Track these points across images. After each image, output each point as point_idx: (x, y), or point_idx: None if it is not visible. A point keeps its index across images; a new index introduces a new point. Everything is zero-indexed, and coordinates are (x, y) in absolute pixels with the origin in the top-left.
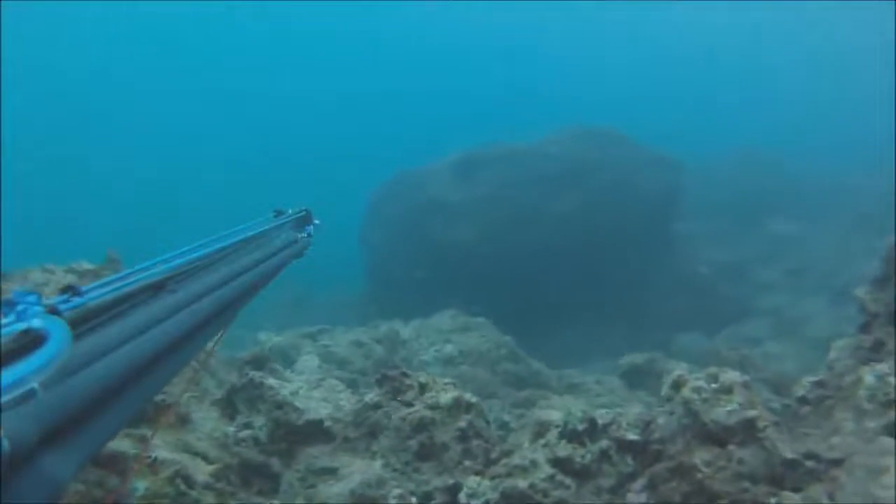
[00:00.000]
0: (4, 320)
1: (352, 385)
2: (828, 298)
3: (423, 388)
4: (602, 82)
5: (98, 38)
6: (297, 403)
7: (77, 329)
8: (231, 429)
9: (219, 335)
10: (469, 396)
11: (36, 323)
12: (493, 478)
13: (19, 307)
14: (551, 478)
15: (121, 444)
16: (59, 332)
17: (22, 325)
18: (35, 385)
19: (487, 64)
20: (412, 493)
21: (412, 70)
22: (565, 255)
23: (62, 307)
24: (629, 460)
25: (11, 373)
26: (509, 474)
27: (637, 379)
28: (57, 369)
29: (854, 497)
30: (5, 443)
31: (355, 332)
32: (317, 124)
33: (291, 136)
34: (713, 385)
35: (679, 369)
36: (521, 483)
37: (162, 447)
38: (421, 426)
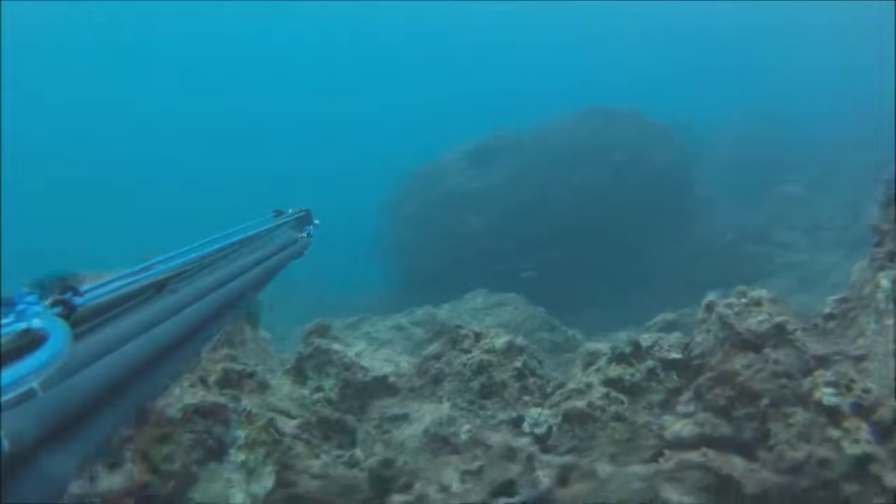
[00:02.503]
0: (4, 320)
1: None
2: (844, 252)
3: (477, 336)
4: (604, 62)
5: (99, 39)
6: (362, 363)
7: (77, 329)
8: (306, 392)
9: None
10: (521, 340)
11: (36, 323)
12: (551, 406)
13: (19, 307)
14: (606, 395)
15: (217, 398)
16: (58, 332)
17: (22, 325)
18: (35, 385)
19: (485, 58)
20: (480, 428)
21: (413, 68)
22: (587, 232)
23: (62, 307)
24: (674, 377)
25: (11, 372)
26: (568, 398)
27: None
28: (57, 369)
29: (878, 378)
30: (5, 442)
31: (393, 318)
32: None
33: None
34: (743, 300)
35: (711, 295)
36: (580, 403)
37: (249, 406)
38: (481, 368)
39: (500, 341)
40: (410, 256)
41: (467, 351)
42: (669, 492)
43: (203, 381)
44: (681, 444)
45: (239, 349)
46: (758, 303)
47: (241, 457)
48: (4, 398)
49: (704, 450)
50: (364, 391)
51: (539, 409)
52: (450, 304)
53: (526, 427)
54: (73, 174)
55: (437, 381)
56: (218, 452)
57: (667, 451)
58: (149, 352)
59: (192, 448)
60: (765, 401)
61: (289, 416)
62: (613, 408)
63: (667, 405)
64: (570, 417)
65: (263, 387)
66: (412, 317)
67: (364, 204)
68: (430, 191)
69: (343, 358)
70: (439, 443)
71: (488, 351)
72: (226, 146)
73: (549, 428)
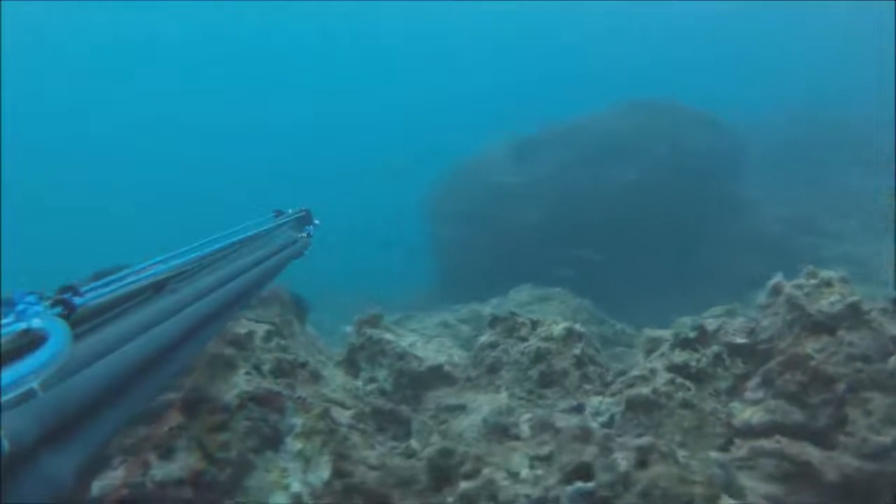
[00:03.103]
0: (4, 320)
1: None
2: None
3: (534, 324)
4: (645, 53)
5: (99, 39)
6: (416, 353)
7: (77, 329)
8: (358, 383)
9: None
10: (579, 327)
11: (36, 323)
12: (613, 395)
13: (19, 307)
14: (671, 381)
15: (272, 385)
16: (58, 332)
17: (22, 325)
18: (35, 385)
19: (524, 50)
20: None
21: (446, 64)
22: (630, 227)
23: (62, 307)
24: (740, 362)
25: (11, 372)
26: (631, 385)
27: None
28: (57, 369)
29: None
30: (5, 443)
31: (439, 316)
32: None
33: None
34: (813, 281)
35: (776, 277)
36: (644, 390)
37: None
38: (539, 356)
39: (559, 328)
40: (452, 253)
41: (524, 339)
42: (745, 479)
43: (257, 369)
44: (751, 431)
45: (290, 341)
46: (828, 283)
47: (298, 445)
48: (4, 398)
49: (777, 437)
50: (418, 381)
51: (600, 398)
52: (495, 301)
53: (587, 416)
54: (73, 174)
55: (493, 370)
56: (274, 441)
57: (737, 440)
58: (149, 352)
59: (247, 436)
60: (840, 385)
61: (343, 406)
62: (680, 394)
63: (734, 392)
64: (634, 405)
65: (316, 377)
66: (457, 314)
67: (402, 202)
68: (472, 186)
69: (396, 348)
70: (499, 433)
71: (546, 338)
72: (229, 146)
73: (612, 416)
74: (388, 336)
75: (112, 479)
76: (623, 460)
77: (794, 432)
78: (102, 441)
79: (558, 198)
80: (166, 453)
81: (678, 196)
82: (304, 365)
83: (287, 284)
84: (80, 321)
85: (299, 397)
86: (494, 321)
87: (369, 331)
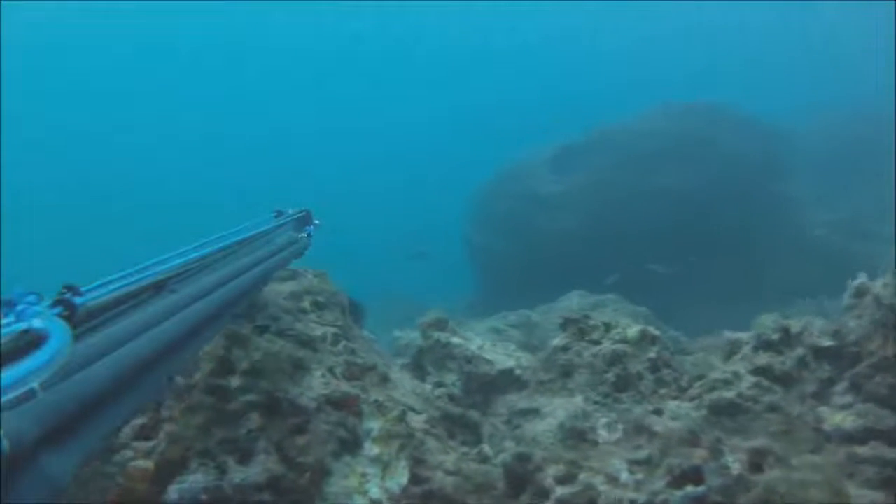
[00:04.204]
0: (4, 320)
1: None
2: None
3: (607, 326)
4: (687, 57)
5: (102, 41)
6: (486, 356)
7: (77, 329)
8: (427, 387)
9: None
10: (653, 330)
11: (36, 323)
12: (691, 399)
13: (19, 307)
14: (757, 384)
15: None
16: (59, 333)
17: (22, 325)
18: (35, 385)
19: (565, 57)
20: (617, 422)
21: (486, 73)
22: (672, 232)
23: (62, 307)
24: (826, 366)
25: (11, 373)
26: (713, 389)
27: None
28: (57, 369)
29: None
30: (5, 443)
31: (489, 322)
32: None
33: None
34: None
35: (860, 278)
36: (728, 394)
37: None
38: (614, 359)
39: (633, 331)
40: (491, 261)
41: (597, 342)
42: (849, 488)
43: (332, 371)
44: (843, 436)
45: (355, 344)
46: None
47: (376, 450)
48: (4, 398)
49: (873, 443)
50: (488, 385)
51: (678, 402)
52: (544, 307)
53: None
54: (73, 172)
55: (566, 373)
56: (352, 445)
57: (829, 445)
58: (149, 352)
59: (326, 440)
60: None
61: (414, 410)
62: (766, 398)
63: (821, 396)
64: (718, 409)
65: (385, 380)
66: (506, 320)
67: (445, 211)
68: (512, 194)
69: (465, 352)
70: (576, 438)
71: (621, 341)
72: (233, 148)
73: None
74: (456, 340)
75: (191, 482)
76: (736, 463)
77: (889, 437)
78: (102, 441)
79: (597, 204)
80: (244, 457)
81: (722, 202)
82: (372, 368)
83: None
84: (80, 321)
85: (375, 401)
86: (567, 323)
87: (436, 334)
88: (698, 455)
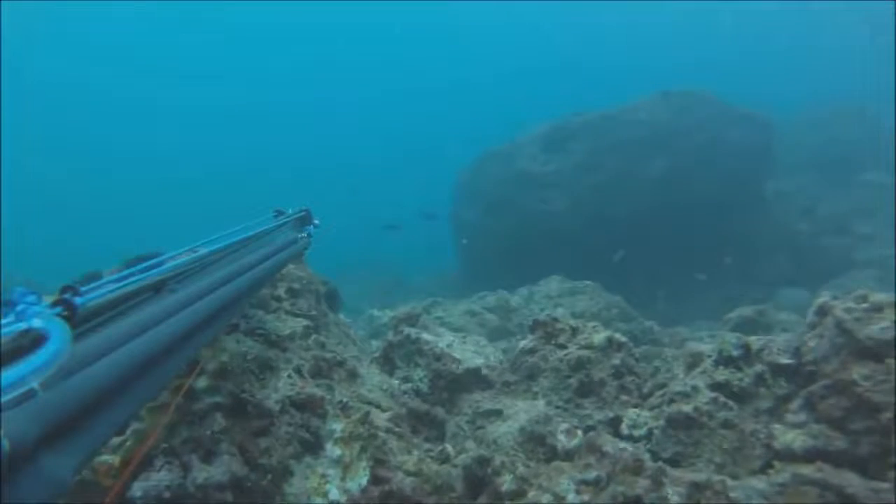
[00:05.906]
0: (4, 320)
1: None
2: None
3: (574, 331)
4: (681, 47)
5: (104, 41)
6: (454, 354)
7: (77, 329)
8: (395, 381)
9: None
10: (619, 336)
11: (36, 323)
12: (651, 408)
13: (19, 307)
14: (714, 400)
15: (314, 389)
16: (59, 333)
17: (22, 325)
18: (35, 385)
19: (559, 40)
20: (577, 428)
21: (482, 55)
22: (659, 219)
23: (62, 307)
24: (783, 383)
25: (11, 373)
26: (672, 401)
27: (749, 331)
28: (57, 369)
29: None
30: (5, 443)
31: (466, 303)
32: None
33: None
34: (863, 305)
35: (824, 296)
36: (686, 407)
37: (343, 397)
38: (579, 365)
39: (599, 337)
40: (481, 238)
41: (563, 346)
42: None
43: (298, 371)
44: (792, 456)
45: (324, 334)
46: (879, 308)
47: (338, 451)
48: (5, 398)
49: (820, 464)
50: (455, 383)
51: (637, 410)
52: (524, 290)
53: (624, 429)
54: (73, 170)
55: (531, 376)
56: (314, 446)
57: (776, 463)
58: (149, 352)
59: (288, 441)
60: (887, 414)
61: (379, 407)
62: (722, 414)
63: (775, 412)
64: (675, 422)
65: (353, 375)
66: (484, 302)
67: (436, 184)
68: (501, 170)
69: (434, 349)
70: (535, 442)
71: (587, 347)
72: (234, 138)
73: (650, 431)
74: (426, 336)
75: (155, 480)
76: (675, 496)
77: (836, 460)
78: (103, 441)
79: (585, 187)
80: (207, 456)
81: (708, 190)
82: (341, 364)
83: (313, 264)
84: (80, 321)
85: (339, 402)
86: (535, 325)
87: (407, 329)
88: (640, 485)
